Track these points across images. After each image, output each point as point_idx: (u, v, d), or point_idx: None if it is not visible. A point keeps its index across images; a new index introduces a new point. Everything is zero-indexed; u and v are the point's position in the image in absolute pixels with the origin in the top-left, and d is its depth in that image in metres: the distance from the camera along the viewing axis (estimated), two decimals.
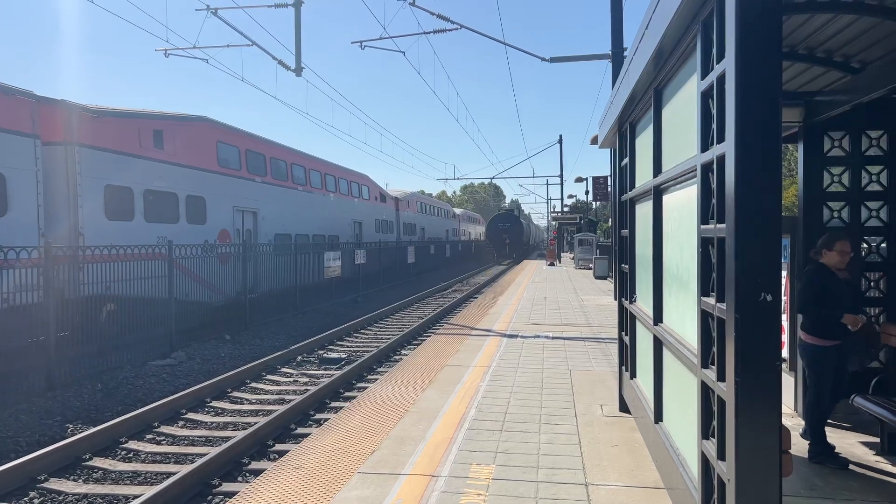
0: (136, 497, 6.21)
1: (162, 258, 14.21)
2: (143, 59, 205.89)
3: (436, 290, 28.83)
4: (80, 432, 8.29)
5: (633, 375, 6.11)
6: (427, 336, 15.35)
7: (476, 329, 13.11)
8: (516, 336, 12.05)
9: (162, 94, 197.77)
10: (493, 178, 78.37)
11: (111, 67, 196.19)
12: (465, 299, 24.66)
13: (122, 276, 12.93)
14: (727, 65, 2.73)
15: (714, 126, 3.00)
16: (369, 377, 11.68)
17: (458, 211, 68.92)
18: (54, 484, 6.73)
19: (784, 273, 6.32)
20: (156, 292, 13.91)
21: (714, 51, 2.96)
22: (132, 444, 7.96)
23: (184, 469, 6.69)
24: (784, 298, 6.29)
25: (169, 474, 6.86)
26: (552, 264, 41.53)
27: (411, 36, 19.69)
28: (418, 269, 38.46)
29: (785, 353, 6.38)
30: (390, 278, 32.23)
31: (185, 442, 8.21)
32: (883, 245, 6.12)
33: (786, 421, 3.01)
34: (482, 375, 8.71)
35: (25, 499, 6.43)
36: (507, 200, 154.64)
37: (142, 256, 13.37)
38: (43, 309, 10.98)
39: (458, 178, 78.35)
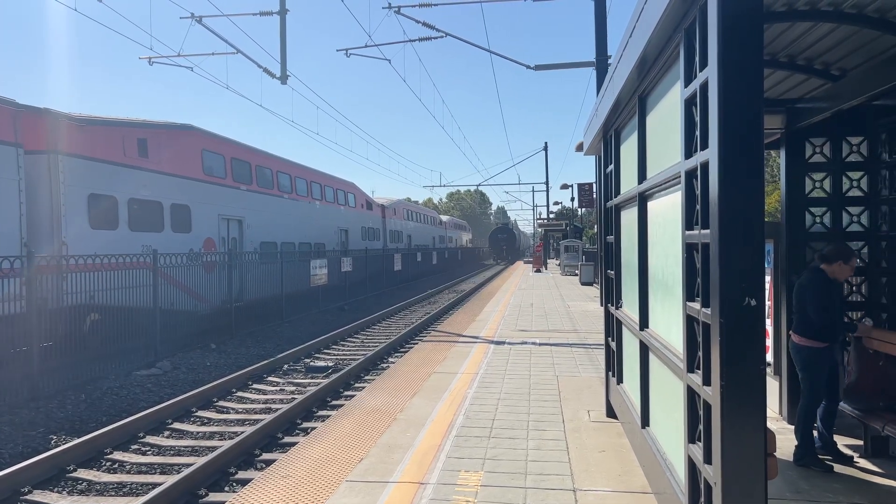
0: None
1: (146, 267, 14.11)
2: (127, 68, 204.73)
3: (423, 298, 28.81)
4: (64, 443, 8.19)
5: (619, 381, 6.14)
6: (414, 343, 15.33)
7: (463, 336, 13.12)
8: (503, 343, 12.06)
9: (146, 103, 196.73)
10: (479, 185, 78.86)
11: (95, 76, 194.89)
12: (453, 306, 24.66)
13: (106, 286, 12.82)
14: (710, 73, 2.77)
15: (698, 133, 3.03)
16: (357, 385, 11.64)
17: (444, 218, 69.04)
18: (38, 496, 6.65)
19: (768, 278, 6.39)
20: (140, 302, 13.80)
21: (697, 59, 3.00)
22: (117, 455, 7.88)
23: (170, 480, 6.63)
24: (768, 303, 6.35)
25: (155, 485, 6.80)
26: (539, 270, 41.65)
27: (397, 44, 19.78)
28: (405, 277, 38.41)
29: (769, 357, 6.44)
30: (377, 286, 32.17)
31: (171, 452, 8.14)
32: (864, 250, 6.20)
33: (771, 424, 3.04)
34: (470, 382, 8.71)
35: None
36: (493, 207, 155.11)
37: (126, 266, 13.26)
38: (26, 319, 10.86)
39: (444, 186, 78.39)
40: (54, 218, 13.26)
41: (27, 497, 6.61)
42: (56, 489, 6.87)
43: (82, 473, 7.26)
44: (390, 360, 14.00)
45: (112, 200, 14.99)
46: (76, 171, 13.77)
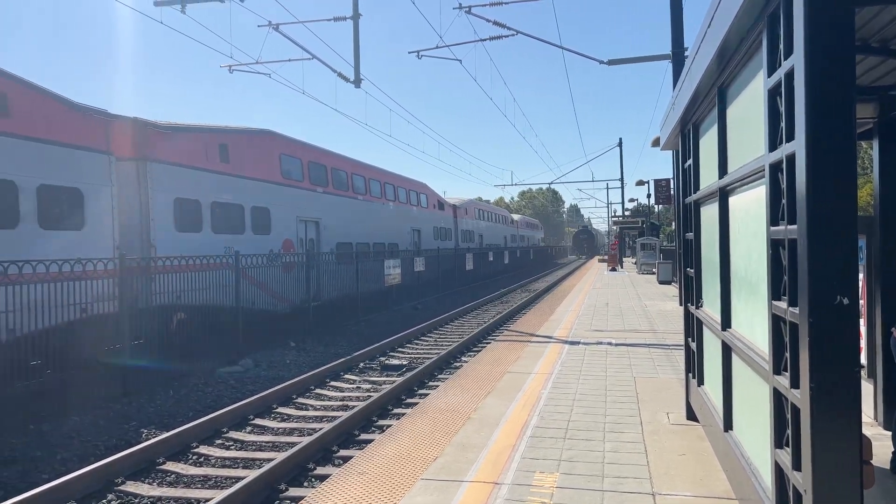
0: (207, 500, 6.40)
1: (229, 268, 14.64)
2: (209, 76, 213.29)
3: (495, 297, 28.76)
4: (154, 437, 8.58)
5: (700, 382, 5.95)
6: (487, 343, 15.32)
7: (536, 336, 13.01)
8: (578, 343, 11.89)
9: (227, 109, 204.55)
10: (552, 183, 78.14)
11: (178, 84, 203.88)
12: (525, 306, 24.51)
13: (192, 286, 13.39)
14: (796, 60, 2.64)
15: (783, 124, 2.90)
16: (430, 384, 11.73)
17: (516, 217, 68.67)
18: (131, 486, 6.99)
19: (861, 275, 6.05)
20: (223, 301, 14.34)
21: (781, 46, 2.87)
22: (202, 449, 8.21)
23: (252, 474, 6.86)
24: (861, 301, 6.02)
25: (238, 479, 7.03)
26: (614, 269, 40.83)
27: (467, 44, 19.78)
28: (477, 276, 38.44)
29: (863, 358, 6.10)
30: (449, 285, 32.32)
31: (253, 447, 8.41)
32: None
33: (866, 430, 2.87)
34: (544, 382, 8.63)
35: (104, 501, 6.69)
36: (566, 205, 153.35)
37: (210, 266, 13.81)
38: (118, 318, 11.45)
39: (515, 184, 77.88)
40: (143, 222, 13.93)
41: (120, 487, 6.96)
42: (147, 480, 7.21)
43: (171, 466, 7.60)
44: (463, 359, 14.04)
45: (196, 204, 15.62)
46: (163, 176, 14.42)
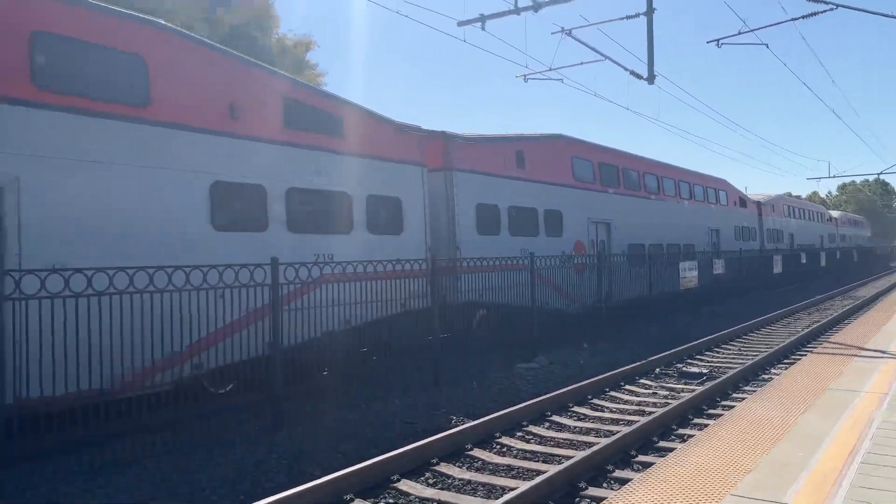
0: (511, 489, 6.75)
1: (525, 269, 15.29)
2: (505, 86, 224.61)
3: (808, 304, 25.77)
4: (461, 424, 9.27)
5: None
6: (801, 355, 13.82)
7: (864, 350, 11.38)
8: None
9: (521, 116, 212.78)
10: (881, 173, 67.20)
11: (480, 96, 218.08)
12: (847, 315, 21.56)
13: (492, 285, 14.28)
14: None
15: None
16: (734, 395, 10.95)
17: (834, 214, 60.64)
18: (443, 468, 7.63)
19: None
20: (520, 300, 15.02)
21: None
22: (504, 440, 8.69)
23: (552, 469, 7.08)
24: None
25: (538, 472, 7.30)
26: None
27: (776, 25, 18.02)
28: (787, 280, 34.73)
29: None
30: (753, 289, 29.72)
31: (551, 443, 8.67)
32: None
33: None
34: (877, 403, 7.52)
35: (422, 478, 7.43)
36: None
37: (508, 267, 14.58)
38: (430, 313, 12.66)
39: (833, 177, 68.45)
40: (449, 226, 15.22)
41: (435, 468, 7.63)
42: (457, 464, 7.84)
43: (477, 452, 8.16)
44: (773, 371, 12.86)
45: (495, 209, 16.60)
46: (466, 184, 15.60)
